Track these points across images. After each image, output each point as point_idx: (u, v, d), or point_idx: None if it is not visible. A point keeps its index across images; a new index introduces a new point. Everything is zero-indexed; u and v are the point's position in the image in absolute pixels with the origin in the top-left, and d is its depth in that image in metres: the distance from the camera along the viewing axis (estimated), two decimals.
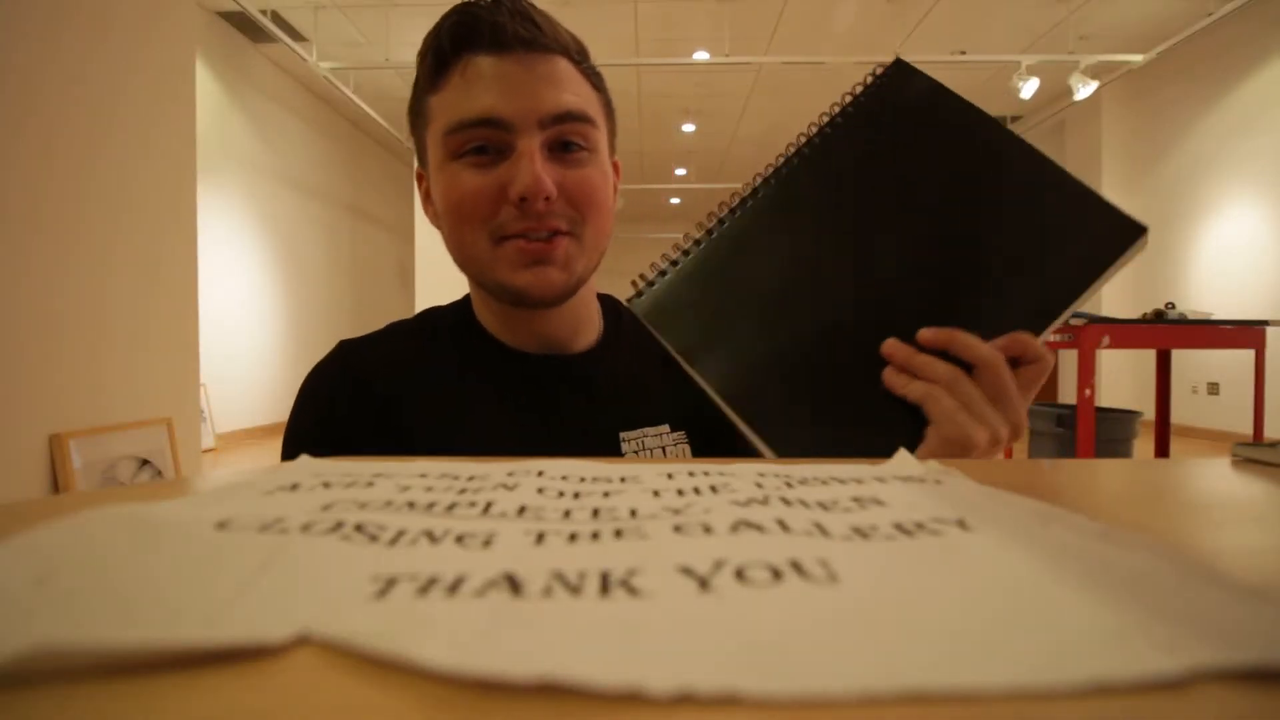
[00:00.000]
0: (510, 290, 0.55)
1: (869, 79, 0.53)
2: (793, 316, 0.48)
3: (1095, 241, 0.47)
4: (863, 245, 0.49)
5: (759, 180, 0.52)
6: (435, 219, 0.59)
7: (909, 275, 0.48)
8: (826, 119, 0.52)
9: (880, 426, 0.45)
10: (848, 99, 0.52)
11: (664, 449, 0.60)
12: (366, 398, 0.58)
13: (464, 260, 0.57)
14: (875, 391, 0.46)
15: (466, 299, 0.66)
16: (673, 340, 0.50)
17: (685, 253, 0.51)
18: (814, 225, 0.51)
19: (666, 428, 0.61)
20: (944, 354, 0.45)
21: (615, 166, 0.62)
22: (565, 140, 0.54)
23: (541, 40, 0.54)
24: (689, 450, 0.61)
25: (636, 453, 0.59)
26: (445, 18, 0.55)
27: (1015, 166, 0.49)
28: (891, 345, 0.46)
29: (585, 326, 0.64)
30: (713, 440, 0.63)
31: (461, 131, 0.53)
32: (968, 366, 0.45)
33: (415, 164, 0.62)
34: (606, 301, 0.70)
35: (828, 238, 0.50)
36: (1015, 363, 0.46)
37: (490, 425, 0.58)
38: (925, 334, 0.45)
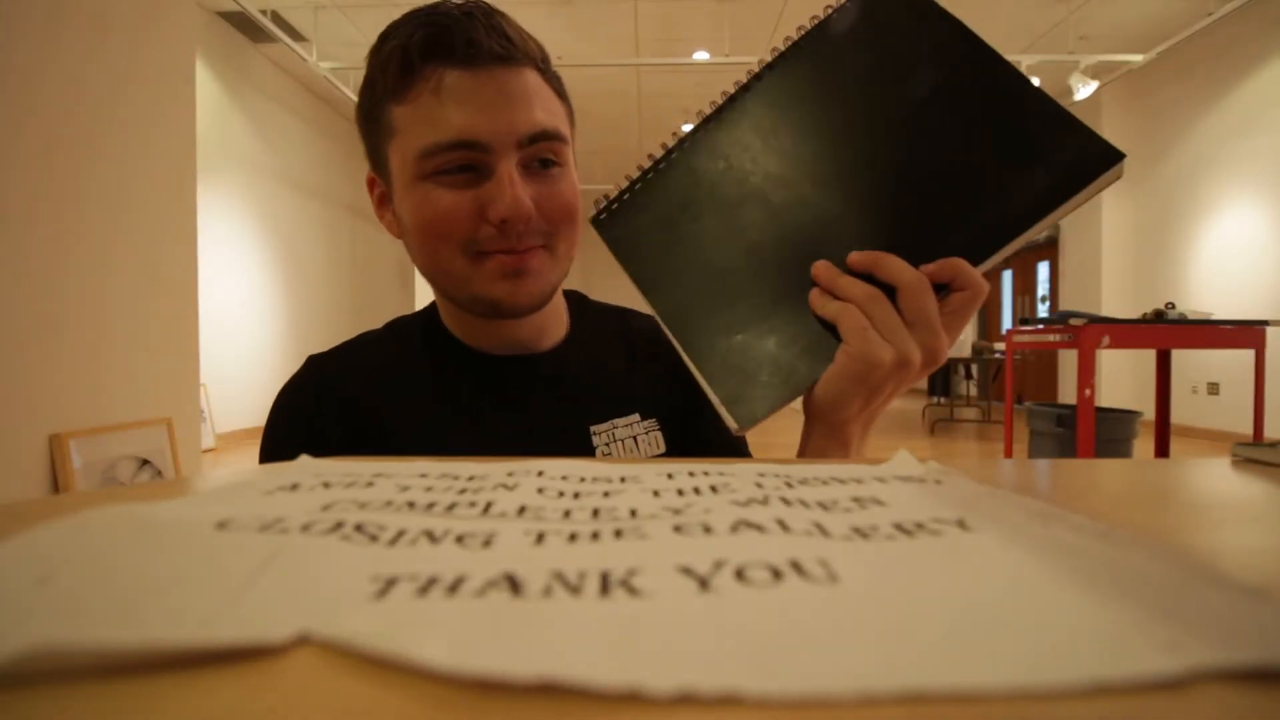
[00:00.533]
0: (487, 301, 0.56)
1: None
2: (742, 243, 0.48)
3: (1061, 168, 0.44)
4: (819, 168, 0.48)
5: (723, 99, 0.51)
6: (397, 230, 0.59)
7: (860, 199, 0.47)
8: (800, 32, 0.51)
9: (801, 348, 0.45)
10: (828, 10, 0.51)
11: (635, 438, 0.61)
12: (340, 409, 0.59)
13: (436, 275, 0.57)
14: (805, 316, 0.46)
15: (432, 307, 0.66)
16: (630, 268, 0.50)
17: (647, 172, 0.52)
18: (771, 147, 0.50)
19: (637, 416, 0.62)
20: (872, 278, 0.45)
21: None
22: (540, 158, 0.54)
23: (514, 54, 0.53)
24: (661, 437, 0.62)
25: (608, 444, 0.60)
26: (411, 22, 0.53)
27: (985, 86, 0.47)
28: (820, 267, 0.46)
29: (552, 325, 0.65)
30: (683, 422, 0.63)
31: (439, 154, 0.52)
32: (894, 292, 0.44)
33: (368, 170, 0.60)
34: (572, 297, 0.71)
35: (783, 160, 0.49)
36: (947, 289, 0.45)
37: (464, 428, 0.58)
38: (853, 257, 0.45)
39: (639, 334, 0.69)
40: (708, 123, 0.51)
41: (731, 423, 0.45)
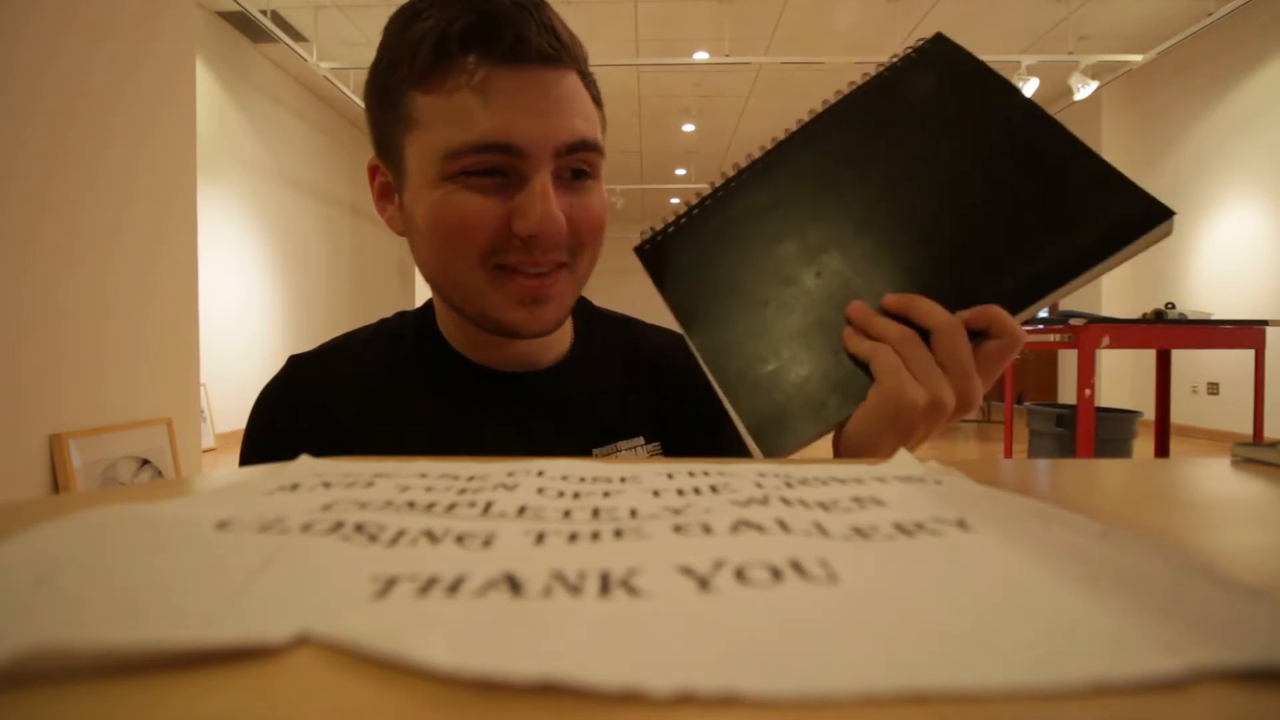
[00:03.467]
0: (502, 325, 0.53)
1: (908, 52, 0.52)
2: (779, 279, 0.49)
3: (1107, 224, 0.44)
4: (860, 213, 0.49)
5: (771, 144, 0.52)
6: (400, 227, 0.55)
7: (900, 245, 0.48)
8: (854, 86, 0.52)
9: (832, 385, 0.46)
10: (882, 67, 0.52)
11: None
12: (324, 419, 0.55)
13: (444, 284, 0.54)
14: (839, 354, 0.46)
15: (428, 308, 0.62)
16: (669, 298, 0.51)
17: (695, 207, 0.52)
18: (817, 192, 0.51)
19: (640, 440, 0.60)
20: (908, 322, 0.44)
21: None
22: (574, 168, 0.51)
23: (562, 55, 0.49)
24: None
25: None
26: (452, 4, 0.48)
27: (1037, 142, 0.47)
28: (855, 307, 0.46)
29: (557, 337, 0.62)
30: (690, 444, 0.62)
31: (468, 155, 0.47)
32: (928, 335, 0.44)
33: (371, 155, 0.56)
34: (585, 309, 0.67)
35: (827, 204, 0.50)
36: (983, 335, 0.44)
37: (458, 448, 0.55)
38: (889, 299, 0.45)
39: (649, 352, 0.66)
40: (756, 165, 0.52)
41: (758, 453, 0.45)
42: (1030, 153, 0.47)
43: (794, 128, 0.52)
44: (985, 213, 0.47)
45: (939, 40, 0.52)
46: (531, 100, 0.48)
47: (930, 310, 0.44)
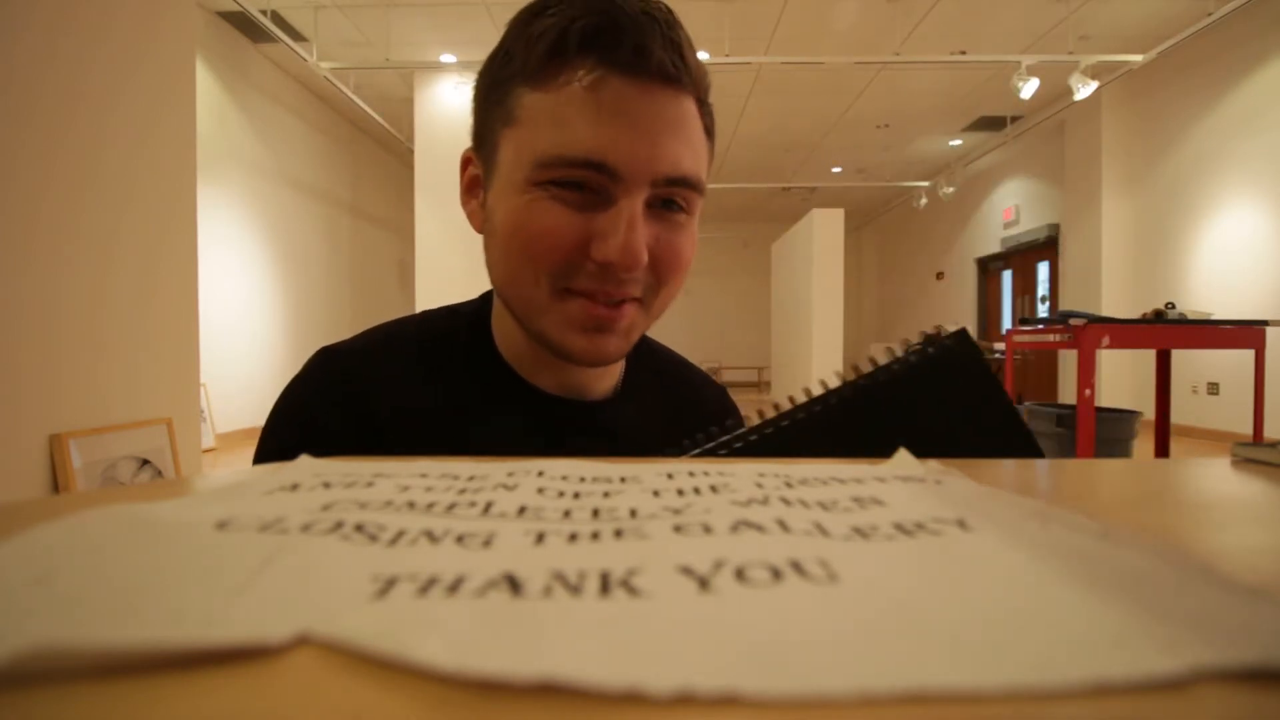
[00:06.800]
0: (560, 349, 0.50)
1: (930, 348, 0.50)
2: None
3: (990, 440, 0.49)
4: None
5: (774, 424, 0.49)
6: (480, 226, 0.53)
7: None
8: (864, 376, 0.49)
9: None
10: (900, 357, 0.50)
11: None
12: (350, 417, 0.51)
13: (510, 294, 0.51)
14: None
15: (483, 308, 0.59)
16: None
17: (715, 446, 0.50)
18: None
19: None
20: None
21: None
22: (668, 199, 0.48)
23: (683, 78, 0.46)
24: None
25: None
26: (578, 3, 0.45)
27: (1000, 438, 0.51)
28: None
29: (610, 371, 0.59)
30: None
31: (560, 168, 0.45)
32: None
33: (469, 145, 0.53)
34: (639, 342, 0.63)
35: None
36: None
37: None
38: None
39: (706, 403, 0.64)
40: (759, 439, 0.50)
41: None
42: (988, 437, 0.51)
43: (800, 411, 0.48)
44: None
45: (962, 337, 0.51)
46: (639, 118, 0.45)
47: None
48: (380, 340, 0.56)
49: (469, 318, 0.58)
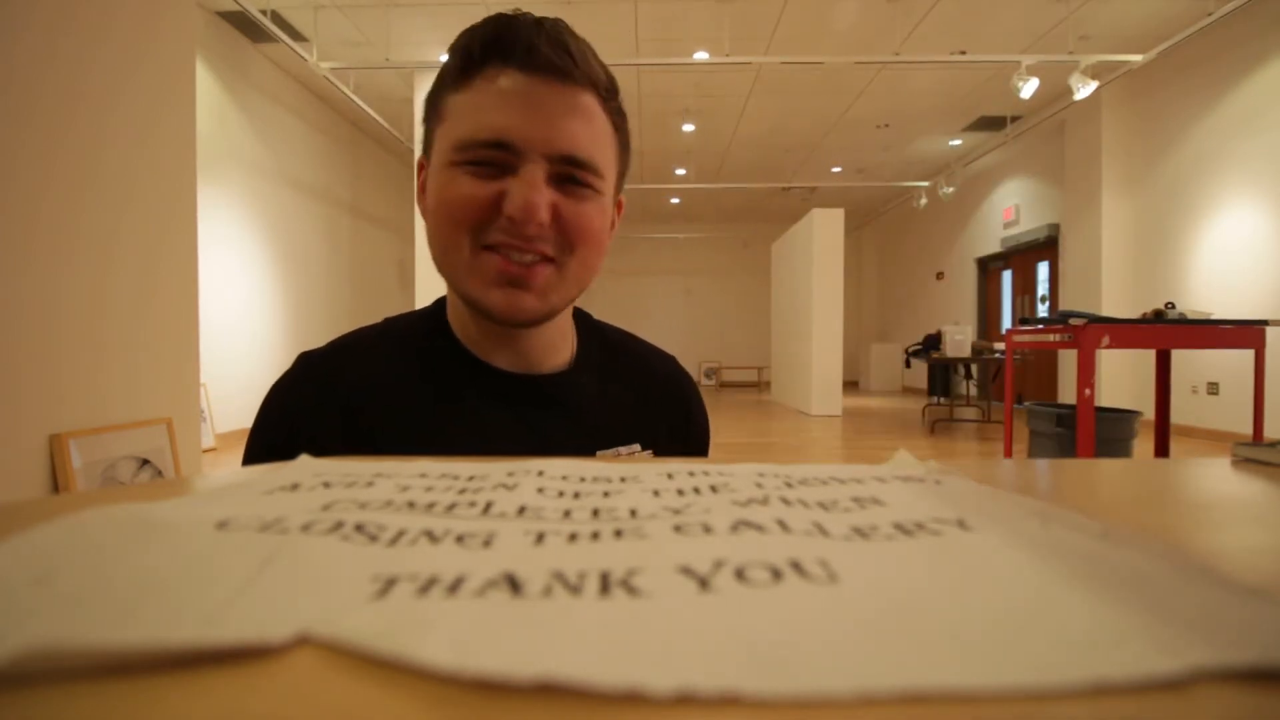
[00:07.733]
0: (482, 306, 0.56)
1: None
2: None
3: None
4: None
5: None
6: (425, 212, 0.60)
7: None
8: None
9: None
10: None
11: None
12: (335, 415, 0.57)
13: (442, 262, 0.57)
14: None
15: (439, 306, 0.65)
16: None
17: None
18: None
19: (638, 446, 0.62)
20: None
21: (619, 204, 0.63)
22: (569, 176, 0.54)
23: (571, 71, 0.54)
24: None
25: None
26: (486, 23, 0.55)
27: None
28: None
29: (559, 345, 0.64)
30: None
31: (472, 149, 0.53)
32: None
33: (419, 154, 0.62)
34: (586, 322, 0.70)
35: None
36: None
37: (465, 446, 0.57)
38: None
39: (659, 377, 0.69)
40: None
41: None
42: None
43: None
44: None
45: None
46: (534, 102, 0.53)
47: None
48: (351, 344, 0.63)
49: (427, 315, 0.65)
